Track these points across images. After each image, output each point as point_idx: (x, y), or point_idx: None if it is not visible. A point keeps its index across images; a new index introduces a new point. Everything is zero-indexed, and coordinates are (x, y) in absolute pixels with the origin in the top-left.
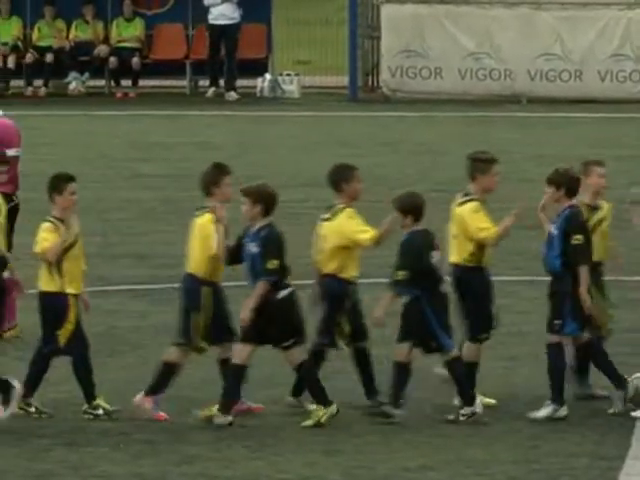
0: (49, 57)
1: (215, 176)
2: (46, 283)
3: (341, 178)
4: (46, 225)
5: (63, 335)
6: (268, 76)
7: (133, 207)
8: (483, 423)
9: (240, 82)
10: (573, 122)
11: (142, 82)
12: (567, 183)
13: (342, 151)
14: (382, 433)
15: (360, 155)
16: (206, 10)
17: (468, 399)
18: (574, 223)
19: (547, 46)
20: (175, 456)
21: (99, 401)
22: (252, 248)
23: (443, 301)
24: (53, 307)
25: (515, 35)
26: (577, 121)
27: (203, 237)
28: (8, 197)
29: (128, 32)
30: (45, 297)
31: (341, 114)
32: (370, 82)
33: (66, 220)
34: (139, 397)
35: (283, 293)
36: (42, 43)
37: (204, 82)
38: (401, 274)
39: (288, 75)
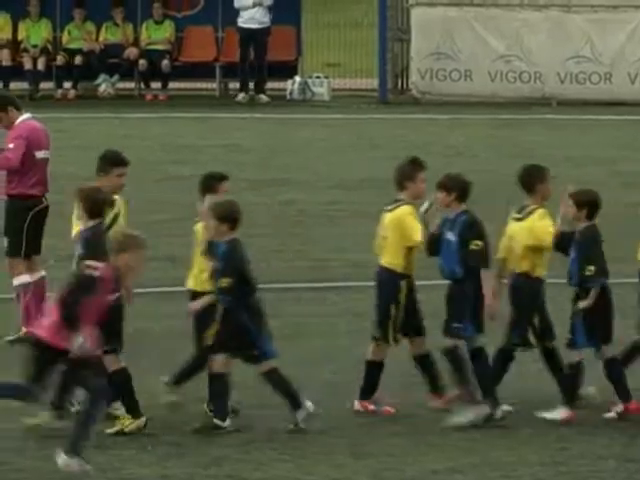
0: (78, 59)
1: (411, 171)
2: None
3: (535, 178)
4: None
5: (209, 335)
6: (298, 79)
7: (164, 209)
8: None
9: (270, 84)
10: (603, 124)
11: (172, 84)
12: (458, 188)
13: (372, 153)
14: (409, 436)
15: (390, 157)
16: (236, 13)
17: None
18: (472, 229)
19: (577, 49)
20: (203, 458)
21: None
22: (76, 250)
23: (259, 309)
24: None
25: (545, 38)
26: (607, 123)
27: (401, 229)
28: (37, 199)
29: (158, 34)
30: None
31: (371, 116)
32: (400, 84)
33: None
34: (356, 403)
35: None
36: (72, 45)
37: (234, 84)
38: (225, 281)
39: (318, 78)
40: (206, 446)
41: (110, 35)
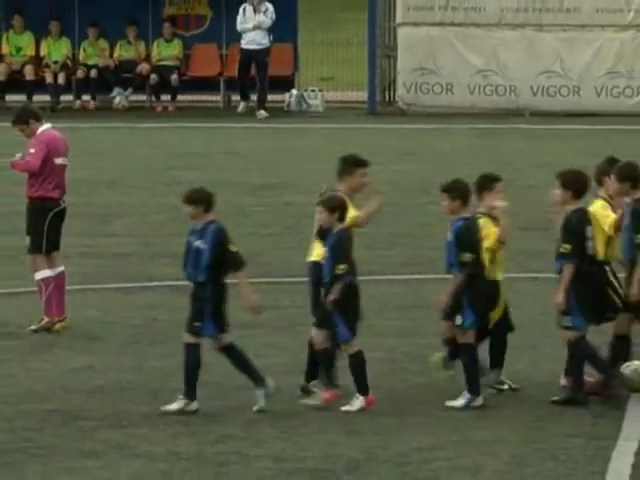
0: (93, 74)
1: (609, 168)
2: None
3: None
4: (485, 220)
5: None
6: (295, 91)
7: (172, 211)
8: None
9: (269, 97)
10: (572, 134)
11: (180, 97)
12: (203, 201)
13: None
14: (396, 416)
15: (378, 164)
16: (238, 32)
17: None
18: (222, 235)
19: (548, 64)
20: (210, 436)
21: None
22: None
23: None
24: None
25: (519, 54)
26: (575, 133)
27: (596, 221)
28: (56, 201)
29: (167, 52)
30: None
31: (361, 126)
32: (387, 97)
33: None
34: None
35: None
36: (89, 62)
37: (237, 97)
38: None
39: (313, 91)
40: (213, 425)
41: (124, 52)
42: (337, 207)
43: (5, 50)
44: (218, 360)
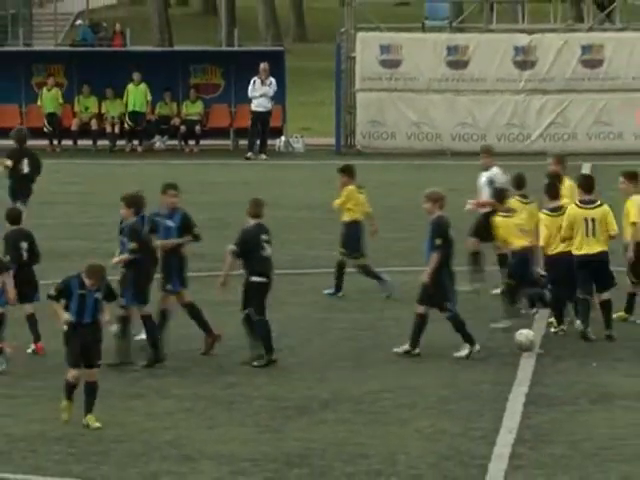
0: (140, 126)
1: None
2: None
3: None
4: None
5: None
6: (283, 138)
7: (197, 222)
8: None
9: None
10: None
11: (202, 142)
12: (136, 203)
13: (330, 187)
14: (355, 368)
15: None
16: (244, 96)
17: None
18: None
19: (463, 118)
20: (221, 383)
21: None
22: None
23: None
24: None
25: (443, 111)
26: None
27: None
28: None
29: (193, 109)
30: None
31: (330, 162)
32: (349, 142)
33: None
34: None
35: None
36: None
37: (242, 142)
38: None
39: (296, 137)
40: (224, 376)
41: (162, 110)
42: None
43: (77, 109)
44: (226, 325)
